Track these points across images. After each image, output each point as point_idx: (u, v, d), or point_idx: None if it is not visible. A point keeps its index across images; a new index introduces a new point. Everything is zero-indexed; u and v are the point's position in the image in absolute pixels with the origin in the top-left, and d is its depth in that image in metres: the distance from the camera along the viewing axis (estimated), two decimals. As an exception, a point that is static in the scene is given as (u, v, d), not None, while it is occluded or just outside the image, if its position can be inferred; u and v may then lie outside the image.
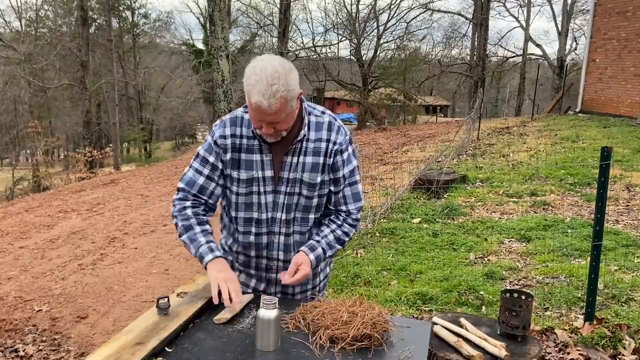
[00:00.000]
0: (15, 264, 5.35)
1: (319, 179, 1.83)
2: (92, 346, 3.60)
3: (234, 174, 1.82)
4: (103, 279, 4.88)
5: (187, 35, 63.30)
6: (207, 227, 1.84)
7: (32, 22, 31.35)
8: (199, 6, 42.93)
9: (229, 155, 1.81)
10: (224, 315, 1.66)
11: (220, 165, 1.83)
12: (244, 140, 1.81)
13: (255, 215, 1.85)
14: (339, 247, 1.89)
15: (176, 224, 1.85)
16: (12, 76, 26.35)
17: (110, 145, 24.58)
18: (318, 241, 1.84)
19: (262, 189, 1.82)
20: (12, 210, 8.13)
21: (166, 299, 1.65)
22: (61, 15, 31.84)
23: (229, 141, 1.81)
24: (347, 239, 1.91)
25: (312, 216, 1.89)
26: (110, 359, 1.37)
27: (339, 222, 1.89)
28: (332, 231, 1.87)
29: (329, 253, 1.86)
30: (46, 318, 4.06)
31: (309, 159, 1.81)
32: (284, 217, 1.84)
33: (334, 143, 1.83)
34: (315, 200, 1.86)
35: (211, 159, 1.83)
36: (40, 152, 18.02)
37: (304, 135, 1.80)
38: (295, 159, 1.80)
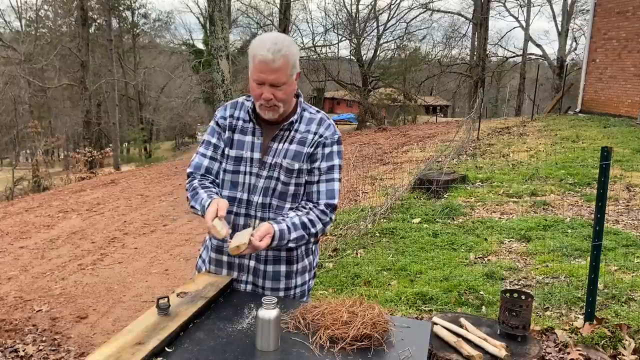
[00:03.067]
0: (15, 264, 5.35)
1: (297, 166, 1.87)
2: (92, 346, 3.60)
3: (226, 150, 1.93)
4: (103, 279, 4.88)
5: (187, 35, 63.43)
6: (212, 188, 1.90)
7: (32, 22, 31.33)
8: (199, 6, 42.99)
9: (226, 135, 1.93)
10: (221, 230, 1.67)
11: (221, 145, 1.94)
12: (240, 122, 1.93)
13: (238, 195, 1.91)
14: (303, 232, 1.81)
15: (188, 200, 1.93)
16: (12, 76, 26.36)
17: (110, 145, 24.53)
18: (283, 219, 1.81)
19: (247, 169, 1.90)
20: (12, 210, 8.13)
21: (166, 299, 1.65)
22: (61, 15, 31.82)
23: (227, 121, 1.94)
24: (312, 228, 1.83)
25: (288, 205, 1.90)
26: (110, 359, 1.37)
27: (306, 210, 1.86)
28: (297, 215, 1.83)
29: (293, 234, 1.78)
30: (46, 318, 4.06)
31: (293, 147, 1.87)
32: (260, 200, 1.88)
33: (320, 136, 1.89)
34: (291, 188, 1.88)
35: (213, 140, 1.95)
36: (40, 152, 17.99)
37: (292, 122, 1.88)
38: (280, 145, 1.88)
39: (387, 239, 5.29)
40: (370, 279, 4.26)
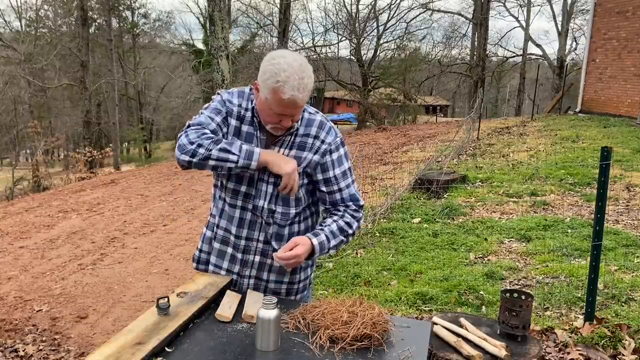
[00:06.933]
0: (15, 264, 5.35)
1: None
2: (92, 346, 3.60)
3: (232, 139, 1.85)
4: (103, 279, 4.88)
5: (187, 35, 63.34)
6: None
7: (32, 22, 31.33)
8: (199, 6, 42.94)
9: (233, 122, 1.85)
10: (224, 313, 1.67)
11: (224, 129, 1.82)
12: (248, 114, 1.85)
13: (243, 189, 1.86)
14: (342, 237, 1.87)
15: (196, 149, 1.70)
16: (12, 76, 26.38)
17: (110, 145, 24.51)
18: (322, 229, 1.84)
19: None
20: (12, 210, 8.12)
21: (166, 299, 1.65)
22: (61, 15, 31.82)
23: (235, 108, 1.85)
24: (350, 230, 1.89)
25: (292, 211, 1.89)
26: (110, 359, 1.37)
27: (340, 213, 1.90)
28: (335, 221, 1.87)
29: (332, 242, 1.84)
30: (46, 318, 4.06)
31: (293, 152, 1.85)
32: (265, 205, 1.87)
33: (323, 142, 1.86)
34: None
35: (218, 118, 1.80)
36: (40, 152, 17.98)
37: (296, 129, 1.84)
38: (282, 151, 1.85)
39: (387, 239, 5.29)
40: (370, 279, 4.26)
